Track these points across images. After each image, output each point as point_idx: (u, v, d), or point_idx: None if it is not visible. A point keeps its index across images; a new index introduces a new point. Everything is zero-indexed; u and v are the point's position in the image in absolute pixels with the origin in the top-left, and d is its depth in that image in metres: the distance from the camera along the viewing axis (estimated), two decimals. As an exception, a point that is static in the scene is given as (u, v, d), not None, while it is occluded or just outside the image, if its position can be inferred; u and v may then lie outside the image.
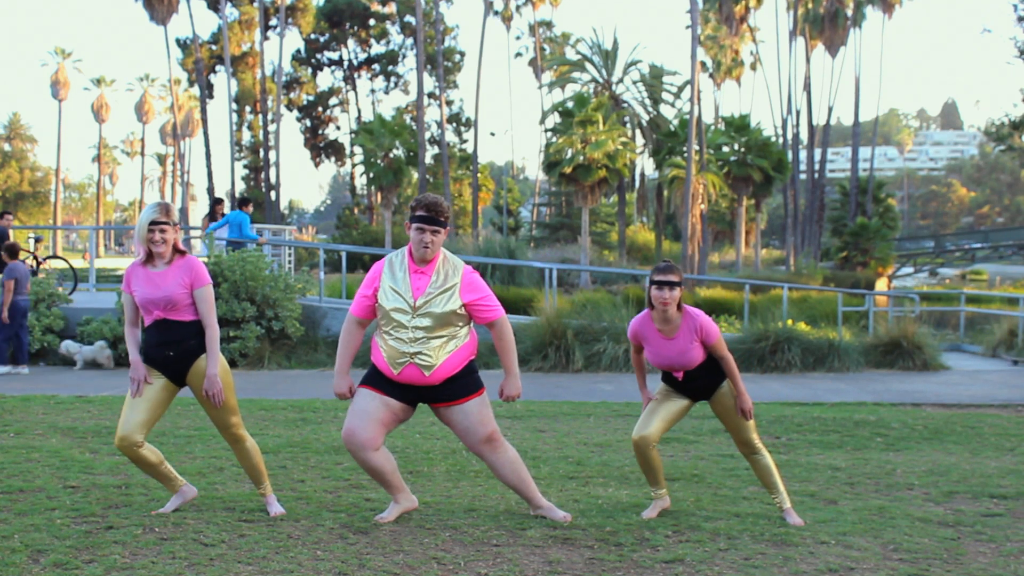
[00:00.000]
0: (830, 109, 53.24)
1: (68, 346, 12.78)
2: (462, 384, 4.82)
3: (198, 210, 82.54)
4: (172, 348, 4.81)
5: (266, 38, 50.84)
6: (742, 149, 42.76)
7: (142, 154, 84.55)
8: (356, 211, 60.48)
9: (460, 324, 4.81)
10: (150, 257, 4.88)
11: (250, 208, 15.58)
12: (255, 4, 51.30)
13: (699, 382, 5.06)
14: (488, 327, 4.88)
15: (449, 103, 59.54)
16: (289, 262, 18.68)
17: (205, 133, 45.21)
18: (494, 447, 4.90)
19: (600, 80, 47.31)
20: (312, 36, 59.67)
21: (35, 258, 16.04)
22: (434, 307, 4.71)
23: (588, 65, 47.85)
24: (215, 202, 16.81)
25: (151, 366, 4.85)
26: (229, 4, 50.69)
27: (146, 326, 4.90)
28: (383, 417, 4.80)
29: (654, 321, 5.04)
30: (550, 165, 37.24)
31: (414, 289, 4.74)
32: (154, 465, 4.89)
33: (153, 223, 4.81)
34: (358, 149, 47.59)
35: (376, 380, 4.84)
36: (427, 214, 4.70)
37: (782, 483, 5.19)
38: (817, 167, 52.36)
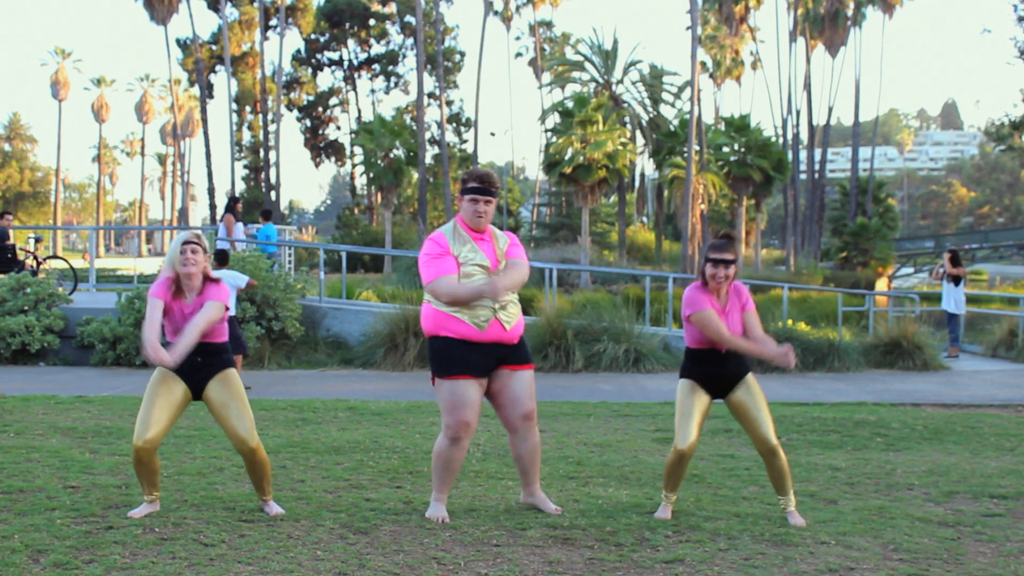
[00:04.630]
0: (830, 109, 53.28)
1: None
2: (526, 351, 5.10)
3: (198, 210, 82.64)
4: (201, 356, 4.84)
5: (266, 38, 50.84)
6: (742, 149, 42.74)
7: (142, 154, 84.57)
8: (356, 211, 60.48)
9: None
10: (179, 291, 4.87)
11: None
12: (255, 4, 51.28)
13: (731, 366, 5.02)
14: None
15: (449, 103, 59.52)
16: (289, 262, 18.68)
17: (205, 133, 45.21)
18: (530, 425, 5.09)
19: (600, 80, 47.30)
20: (312, 36, 59.65)
21: (35, 258, 16.02)
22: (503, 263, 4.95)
23: (588, 65, 47.83)
24: (233, 200, 16.81)
25: (174, 372, 4.85)
26: (229, 4, 50.69)
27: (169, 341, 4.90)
28: (480, 401, 4.96)
29: (711, 292, 5.03)
30: (550, 165, 37.24)
31: (488, 254, 4.95)
32: (155, 472, 4.91)
33: (186, 243, 4.82)
34: (358, 149, 47.59)
35: (463, 363, 4.85)
36: (480, 185, 4.92)
37: (792, 486, 5.13)
38: (817, 167, 52.38)
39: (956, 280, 15.80)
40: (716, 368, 5.03)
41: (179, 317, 4.85)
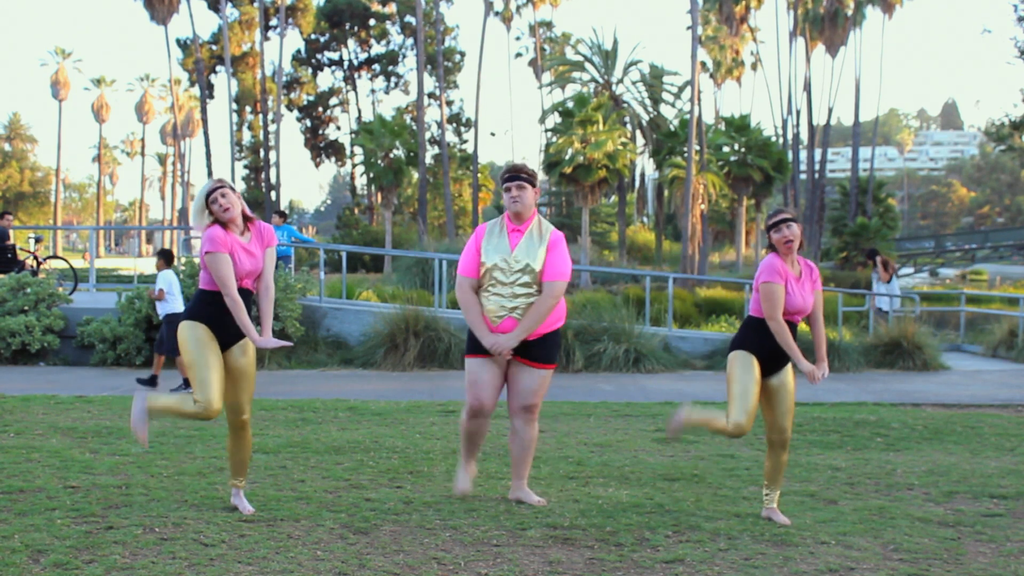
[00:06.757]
0: (830, 109, 53.23)
1: None
2: (547, 351, 5.24)
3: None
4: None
5: (266, 38, 50.83)
6: (742, 149, 42.75)
7: (142, 154, 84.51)
8: (356, 211, 60.49)
9: None
10: (226, 228, 4.79)
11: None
12: (255, 4, 51.28)
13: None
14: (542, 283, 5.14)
15: (449, 103, 59.52)
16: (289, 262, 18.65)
17: (205, 133, 45.20)
18: (529, 418, 5.32)
19: (600, 80, 47.31)
20: (312, 36, 59.66)
21: (35, 258, 16.02)
22: (532, 261, 5.10)
23: (588, 65, 47.84)
24: None
25: (211, 329, 4.78)
26: (229, 4, 50.68)
27: (210, 290, 4.76)
28: (498, 383, 5.26)
29: (786, 262, 4.95)
30: (550, 165, 37.25)
31: (511, 245, 5.14)
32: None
33: (211, 192, 4.75)
34: (358, 149, 47.61)
35: (478, 343, 5.19)
36: (511, 173, 5.21)
37: (781, 485, 5.21)
38: (817, 167, 52.31)
39: (889, 279, 16.24)
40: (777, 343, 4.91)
41: (244, 254, 4.78)
